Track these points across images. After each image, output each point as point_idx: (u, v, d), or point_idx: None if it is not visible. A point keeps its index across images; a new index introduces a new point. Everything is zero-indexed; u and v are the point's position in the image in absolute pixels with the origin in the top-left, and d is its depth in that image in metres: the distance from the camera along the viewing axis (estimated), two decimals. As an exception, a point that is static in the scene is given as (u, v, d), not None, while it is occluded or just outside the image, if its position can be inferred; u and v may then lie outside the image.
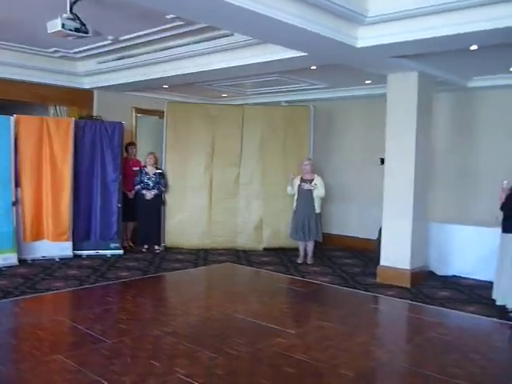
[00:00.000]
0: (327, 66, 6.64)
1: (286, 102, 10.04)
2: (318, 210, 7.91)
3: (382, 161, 7.19)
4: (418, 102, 6.58)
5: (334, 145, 9.80)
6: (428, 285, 6.74)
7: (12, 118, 7.42)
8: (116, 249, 8.23)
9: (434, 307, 5.76)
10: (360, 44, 5.24)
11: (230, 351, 4.15)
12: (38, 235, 7.64)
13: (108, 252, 8.15)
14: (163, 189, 8.72)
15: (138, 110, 9.95)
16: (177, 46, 6.75)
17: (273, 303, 5.81)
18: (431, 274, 7.24)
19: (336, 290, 6.52)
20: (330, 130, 9.80)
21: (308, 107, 9.16)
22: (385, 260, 6.90)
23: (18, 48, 7.38)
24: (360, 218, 9.43)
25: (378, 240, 7.14)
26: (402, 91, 6.69)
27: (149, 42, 6.73)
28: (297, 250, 8.23)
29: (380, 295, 6.24)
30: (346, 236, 9.58)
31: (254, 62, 6.36)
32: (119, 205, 8.24)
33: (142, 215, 8.53)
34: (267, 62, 6.28)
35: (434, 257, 7.32)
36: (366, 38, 5.20)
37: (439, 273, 7.28)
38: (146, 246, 8.65)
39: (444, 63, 6.43)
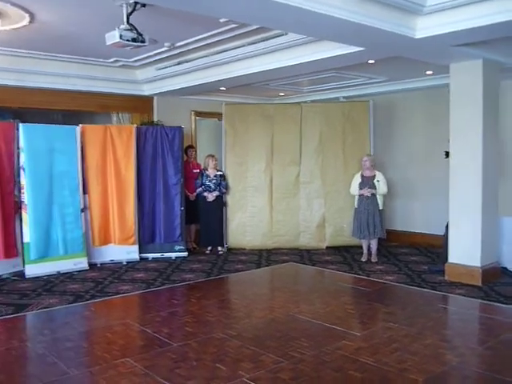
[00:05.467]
0: (385, 58, 6.46)
1: (344, 97, 9.87)
2: (381, 207, 7.73)
3: (447, 154, 6.93)
4: (483, 91, 6.27)
5: (396, 139, 9.55)
6: (501, 282, 6.44)
7: (77, 128, 7.70)
8: (180, 251, 8.38)
9: (509, 306, 5.48)
10: (419, 35, 5.07)
11: (294, 354, 4.12)
12: (105, 240, 7.90)
13: (173, 254, 8.32)
14: (224, 190, 8.80)
15: (197, 114, 10.11)
16: (232, 49, 6.78)
17: (337, 304, 5.72)
18: (504, 270, 6.91)
19: (402, 289, 6.33)
20: (390, 124, 9.56)
21: (367, 102, 8.96)
22: (453, 257, 6.63)
23: (79, 60, 7.66)
24: (425, 213, 9.14)
25: (446, 236, 6.88)
26: (465, 80, 6.41)
27: (204, 46, 6.79)
28: (360, 247, 8.09)
29: (449, 294, 6.01)
30: (411, 232, 9.32)
31: (310, 60, 6.30)
32: (182, 208, 8.38)
33: (205, 217, 8.65)
34: (323, 59, 6.19)
35: (506, 252, 6.98)
36: (424, 28, 5.02)
37: (513, 269, 6.96)
38: (209, 248, 8.76)
39: (511, 48, 6.09)
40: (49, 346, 4.45)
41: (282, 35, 6.03)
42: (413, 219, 9.36)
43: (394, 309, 5.54)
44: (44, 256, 7.18)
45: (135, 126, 8.35)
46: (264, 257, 8.39)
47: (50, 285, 6.64)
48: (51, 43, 6.62)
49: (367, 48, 5.67)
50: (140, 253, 8.14)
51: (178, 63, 7.68)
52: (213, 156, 8.78)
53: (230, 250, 8.89)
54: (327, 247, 8.88)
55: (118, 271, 7.40)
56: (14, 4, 4.98)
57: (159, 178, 8.33)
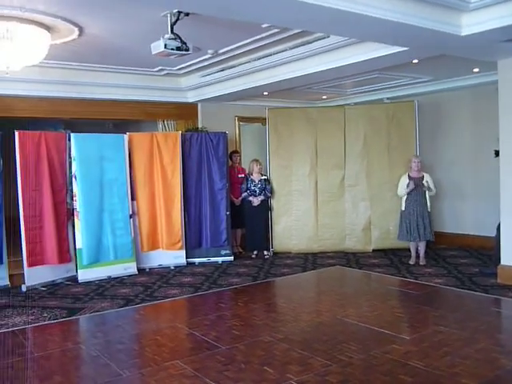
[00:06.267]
0: (430, 57, 6.36)
1: (388, 98, 9.76)
2: (430, 209, 7.59)
3: (497, 153, 6.74)
4: (534, 87, 6.10)
5: (443, 139, 9.35)
6: (557, 285, 6.21)
7: (125, 136, 7.92)
8: (226, 255, 8.47)
9: None
10: (465, 32, 4.98)
11: (342, 358, 4.10)
12: (153, 245, 8.07)
13: (219, 259, 8.42)
14: (269, 194, 8.84)
15: (241, 119, 10.20)
16: (274, 53, 6.83)
17: (385, 307, 5.65)
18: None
19: (452, 292, 6.19)
20: (437, 124, 9.37)
21: (412, 102, 8.82)
22: (506, 259, 6.43)
23: (125, 70, 7.89)
24: (475, 214, 8.91)
25: (497, 237, 6.68)
26: (514, 77, 6.24)
27: (247, 51, 6.87)
28: (407, 250, 7.96)
29: (502, 297, 5.83)
30: (461, 234, 9.09)
31: (353, 61, 6.28)
32: (227, 212, 8.47)
33: (250, 221, 8.70)
34: (366, 60, 6.17)
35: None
36: (470, 25, 4.93)
37: None
38: (255, 252, 8.81)
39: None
40: (102, 348, 4.58)
41: (324, 38, 6.04)
42: (462, 221, 9.14)
43: (444, 312, 5.42)
44: (95, 261, 7.40)
45: (180, 132, 8.51)
46: (310, 260, 8.37)
47: (102, 289, 6.84)
48: (99, 55, 6.85)
49: (411, 48, 5.61)
50: (187, 257, 8.27)
51: (222, 70, 7.79)
52: (257, 161, 8.84)
53: (275, 253, 8.91)
54: (373, 250, 8.78)
55: (166, 276, 7.54)
56: (63, 19, 5.19)
57: (205, 184, 8.45)
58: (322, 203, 8.98)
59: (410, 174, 7.70)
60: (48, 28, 5.36)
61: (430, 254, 8.19)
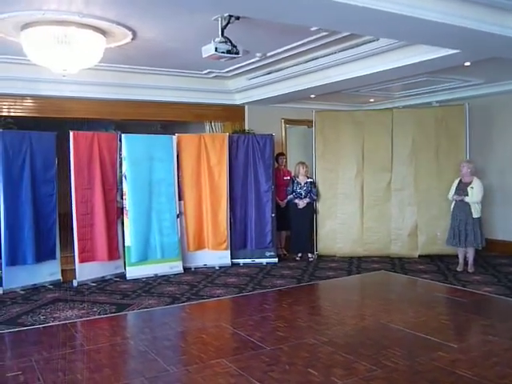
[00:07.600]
0: (483, 60, 6.21)
1: (437, 101, 9.57)
2: (475, 215, 7.33)
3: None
4: None
5: (495, 144, 9.09)
6: None
7: (174, 137, 8.08)
8: (271, 257, 8.51)
9: None
10: (520, 34, 4.84)
11: (387, 363, 4.06)
12: (199, 245, 8.20)
13: (263, 260, 8.47)
14: (315, 197, 8.82)
15: (287, 121, 10.22)
16: (322, 56, 6.83)
17: (431, 314, 5.55)
18: None
19: (502, 301, 6.03)
20: (488, 129, 9.12)
21: (462, 106, 8.62)
22: (560, 268, 6.23)
23: (175, 73, 8.03)
24: (528, 221, 8.63)
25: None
26: None
27: (295, 54, 6.89)
28: (455, 257, 7.78)
29: (555, 308, 5.66)
30: (513, 242, 8.82)
31: (401, 65, 6.22)
32: (273, 214, 8.51)
33: (295, 224, 8.71)
34: (415, 63, 6.09)
35: None
36: (527, 27, 4.80)
37: None
38: (299, 255, 8.82)
39: None
40: (149, 343, 4.70)
41: (373, 41, 5.99)
42: (515, 228, 8.86)
43: (494, 321, 5.29)
44: (143, 259, 7.58)
45: (228, 134, 8.61)
46: (354, 264, 8.31)
47: (149, 286, 7.00)
48: (150, 58, 7.01)
49: (463, 50, 5.50)
50: (232, 258, 8.35)
51: (269, 72, 7.84)
52: (303, 163, 8.84)
53: (320, 256, 8.89)
54: (420, 256, 8.62)
55: (211, 275, 7.65)
56: (118, 23, 5.36)
57: (251, 185, 8.52)
58: (368, 207, 8.89)
59: (462, 179, 7.54)
60: (104, 32, 5.55)
61: (480, 261, 7.99)
